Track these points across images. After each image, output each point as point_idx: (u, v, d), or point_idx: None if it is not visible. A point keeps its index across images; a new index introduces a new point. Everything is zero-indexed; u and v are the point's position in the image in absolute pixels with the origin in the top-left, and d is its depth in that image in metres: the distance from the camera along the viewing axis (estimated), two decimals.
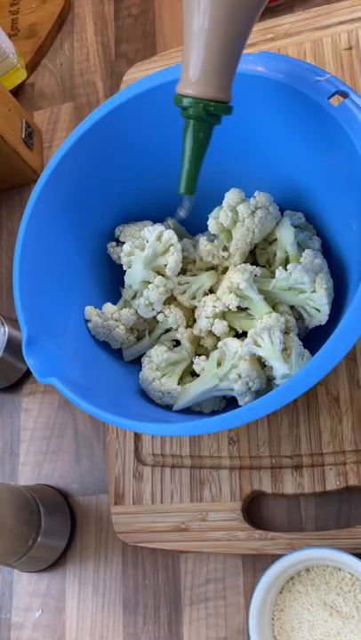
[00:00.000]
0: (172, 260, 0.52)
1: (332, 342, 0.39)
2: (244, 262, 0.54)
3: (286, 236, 0.51)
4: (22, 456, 0.63)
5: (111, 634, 0.55)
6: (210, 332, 0.53)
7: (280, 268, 0.50)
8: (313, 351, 0.47)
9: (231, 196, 0.52)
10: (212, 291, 0.55)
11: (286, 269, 0.49)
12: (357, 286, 0.40)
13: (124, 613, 0.55)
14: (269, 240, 0.55)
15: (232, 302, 0.50)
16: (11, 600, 0.59)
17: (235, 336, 0.52)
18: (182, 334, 0.54)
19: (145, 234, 0.53)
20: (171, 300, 0.55)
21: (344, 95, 0.44)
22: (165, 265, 0.52)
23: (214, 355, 0.50)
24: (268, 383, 0.49)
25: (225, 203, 0.52)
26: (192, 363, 0.53)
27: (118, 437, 0.58)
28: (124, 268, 0.54)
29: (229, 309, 0.51)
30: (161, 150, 0.53)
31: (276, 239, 0.53)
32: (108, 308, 0.55)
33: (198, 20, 0.36)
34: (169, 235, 0.53)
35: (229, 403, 0.54)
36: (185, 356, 0.53)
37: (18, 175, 0.72)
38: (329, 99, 0.44)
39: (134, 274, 0.53)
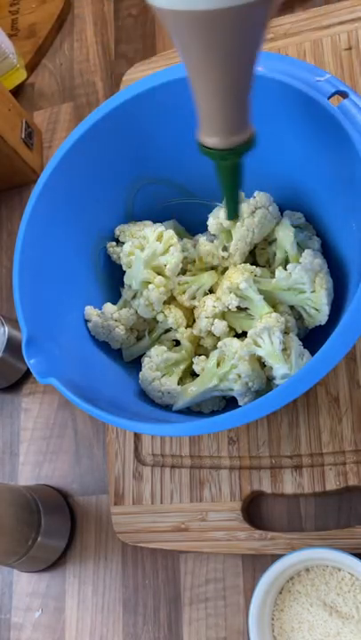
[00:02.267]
0: (172, 260, 0.52)
1: (332, 342, 0.39)
2: (244, 262, 0.54)
3: (286, 236, 0.51)
4: (22, 456, 0.63)
5: (111, 634, 0.55)
6: (210, 332, 0.53)
7: (280, 268, 0.50)
8: (313, 351, 0.47)
9: None
10: (212, 291, 0.55)
11: (286, 269, 0.49)
12: (357, 286, 0.40)
13: (124, 613, 0.55)
14: (269, 240, 0.55)
15: (232, 302, 0.50)
16: (11, 600, 0.59)
17: (235, 336, 0.52)
18: (182, 334, 0.54)
19: (145, 234, 0.53)
20: (171, 299, 0.55)
21: (344, 95, 0.44)
22: (165, 265, 0.52)
23: (214, 355, 0.50)
24: (268, 383, 0.49)
25: None
26: (192, 363, 0.53)
27: (118, 437, 0.58)
28: (124, 268, 0.54)
29: (229, 309, 0.51)
30: (160, 150, 0.54)
31: (275, 239, 0.53)
32: (108, 307, 0.55)
33: (202, 84, 0.36)
34: (169, 235, 0.53)
35: (229, 403, 0.54)
36: (185, 355, 0.53)
37: (18, 175, 0.72)
38: (329, 99, 0.44)
39: (134, 274, 0.53)
